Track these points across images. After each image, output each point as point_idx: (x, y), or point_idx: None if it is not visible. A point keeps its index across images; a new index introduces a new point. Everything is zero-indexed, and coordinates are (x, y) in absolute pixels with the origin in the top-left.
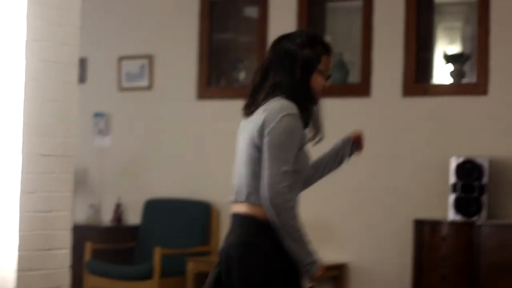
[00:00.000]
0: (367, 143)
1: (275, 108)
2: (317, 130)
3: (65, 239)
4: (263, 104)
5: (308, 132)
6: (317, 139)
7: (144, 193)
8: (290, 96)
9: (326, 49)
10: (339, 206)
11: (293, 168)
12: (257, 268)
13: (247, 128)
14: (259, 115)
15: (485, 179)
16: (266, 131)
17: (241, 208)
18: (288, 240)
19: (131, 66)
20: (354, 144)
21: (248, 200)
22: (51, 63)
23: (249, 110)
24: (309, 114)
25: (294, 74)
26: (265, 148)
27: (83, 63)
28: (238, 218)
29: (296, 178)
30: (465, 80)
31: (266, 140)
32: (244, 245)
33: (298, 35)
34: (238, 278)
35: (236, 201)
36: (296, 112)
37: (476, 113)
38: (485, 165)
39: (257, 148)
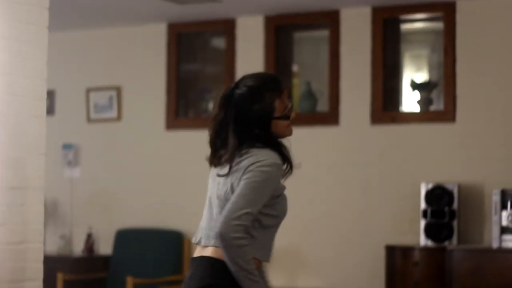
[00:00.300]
0: (338, 171)
1: (262, 154)
2: (291, 168)
3: (37, 271)
4: (241, 154)
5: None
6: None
7: (115, 223)
8: (265, 146)
9: (277, 88)
10: (311, 232)
11: (269, 214)
12: None
13: (222, 178)
14: (244, 161)
15: (455, 205)
16: (248, 169)
17: (207, 252)
18: (238, 276)
19: (99, 98)
20: None
21: (216, 244)
22: (19, 96)
23: (216, 161)
24: (286, 153)
25: (256, 129)
26: (240, 185)
27: (51, 95)
28: (202, 261)
29: (273, 222)
30: (432, 108)
31: (244, 177)
32: None
33: (244, 90)
34: None
35: (201, 244)
36: (280, 163)
37: (445, 140)
38: (455, 191)
39: None
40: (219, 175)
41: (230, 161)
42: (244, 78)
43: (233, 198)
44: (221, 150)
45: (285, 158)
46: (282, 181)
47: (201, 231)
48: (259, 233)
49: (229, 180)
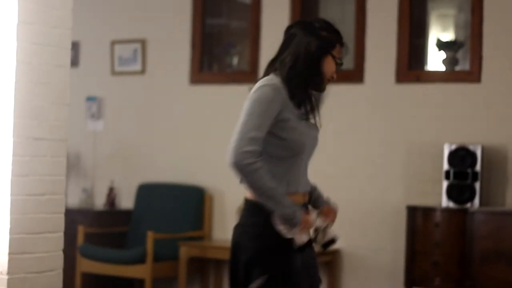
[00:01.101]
0: (360, 129)
1: (258, 82)
2: (307, 113)
3: (58, 223)
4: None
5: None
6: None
7: (137, 177)
8: (287, 74)
9: (340, 39)
10: (332, 190)
11: (278, 136)
12: (245, 248)
13: None
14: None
15: (478, 167)
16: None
17: (246, 193)
18: (264, 200)
19: (123, 50)
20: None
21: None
22: (43, 46)
23: None
24: (306, 96)
25: (307, 52)
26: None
27: (75, 46)
28: (243, 203)
29: (285, 152)
30: (458, 68)
31: (243, 109)
32: (237, 228)
33: (317, 20)
34: (231, 259)
35: None
36: (275, 83)
37: (469, 101)
38: (478, 152)
39: None
40: None
41: None
42: (314, 18)
43: (236, 128)
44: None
45: (293, 94)
46: (295, 115)
47: None
48: (274, 166)
49: None
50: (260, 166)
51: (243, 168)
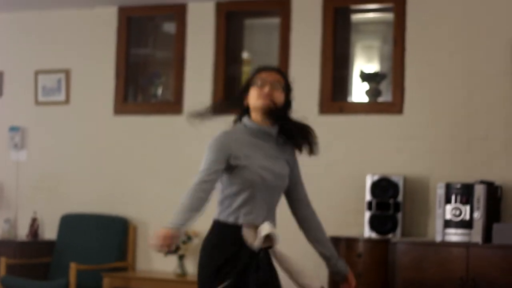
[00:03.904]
0: None
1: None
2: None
3: None
4: None
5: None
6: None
7: (60, 207)
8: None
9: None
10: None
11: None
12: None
13: None
14: None
15: (400, 197)
16: None
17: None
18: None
19: (47, 80)
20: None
21: None
22: None
23: None
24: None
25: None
26: None
27: None
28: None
29: (238, 189)
30: (381, 99)
31: None
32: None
33: None
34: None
35: None
36: (217, 137)
37: (391, 132)
38: (400, 183)
39: None
40: None
41: None
42: None
43: None
44: None
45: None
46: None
47: None
48: (230, 200)
49: None
50: (193, 187)
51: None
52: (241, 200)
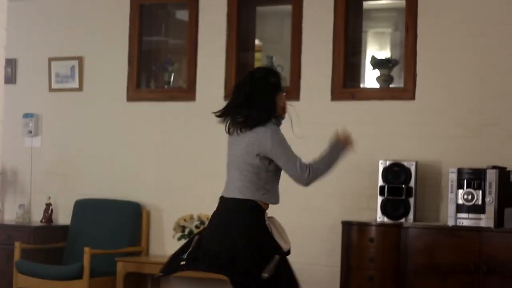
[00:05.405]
0: (296, 146)
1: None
2: None
3: None
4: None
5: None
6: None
7: (74, 193)
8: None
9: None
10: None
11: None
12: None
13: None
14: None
15: (412, 182)
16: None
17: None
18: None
19: (61, 67)
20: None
21: None
22: None
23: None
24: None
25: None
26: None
27: (13, 64)
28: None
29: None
30: (392, 85)
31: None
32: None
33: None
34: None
35: None
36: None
37: (404, 118)
38: (412, 168)
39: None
40: None
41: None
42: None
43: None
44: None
45: None
46: None
47: None
48: (270, 185)
49: None
50: (312, 168)
51: (311, 180)
52: (276, 185)
